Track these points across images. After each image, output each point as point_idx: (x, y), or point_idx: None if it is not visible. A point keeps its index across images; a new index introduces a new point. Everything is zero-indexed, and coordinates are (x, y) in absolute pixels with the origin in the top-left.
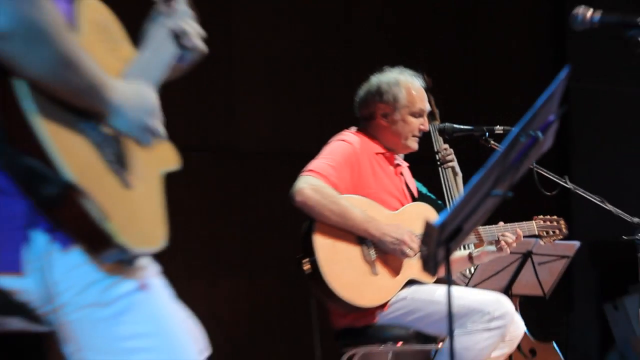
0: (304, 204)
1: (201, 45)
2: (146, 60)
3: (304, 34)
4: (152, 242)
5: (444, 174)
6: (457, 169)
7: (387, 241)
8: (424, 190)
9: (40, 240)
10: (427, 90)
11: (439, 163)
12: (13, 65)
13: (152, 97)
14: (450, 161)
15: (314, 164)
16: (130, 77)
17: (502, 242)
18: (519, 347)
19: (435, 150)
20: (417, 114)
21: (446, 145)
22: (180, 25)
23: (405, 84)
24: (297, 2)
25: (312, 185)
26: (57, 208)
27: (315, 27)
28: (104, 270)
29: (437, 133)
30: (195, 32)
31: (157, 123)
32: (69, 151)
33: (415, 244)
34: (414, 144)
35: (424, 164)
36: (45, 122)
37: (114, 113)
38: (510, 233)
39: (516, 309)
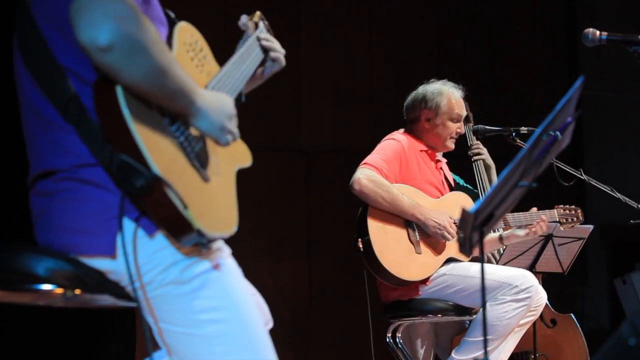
0: (361, 191)
1: (282, 60)
2: (227, 73)
3: (362, 49)
4: (226, 227)
5: (477, 166)
6: (489, 161)
7: (430, 225)
8: (461, 182)
9: (129, 227)
10: (464, 97)
11: (472, 157)
12: (113, 75)
13: (230, 105)
14: (482, 155)
15: (369, 158)
16: (213, 87)
17: (532, 230)
18: (541, 317)
19: (469, 144)
20: (455, 119)
21: (478, 142)
22: (267, 41)
23: (447, 94)
24: (355, 22)
25: (367, 175)
26: (145, 197)
27: (370, 44)
28: (183, 253)
29: (472, 133)
30: (278, 48)
31: (234, 126)
32: (157, 149)
33: (453, 229)
34: (451, 145)
35: (462, 159)
36: (138, 124)
37: (199, 115)
38: (542, 224)
39: (540, 284)
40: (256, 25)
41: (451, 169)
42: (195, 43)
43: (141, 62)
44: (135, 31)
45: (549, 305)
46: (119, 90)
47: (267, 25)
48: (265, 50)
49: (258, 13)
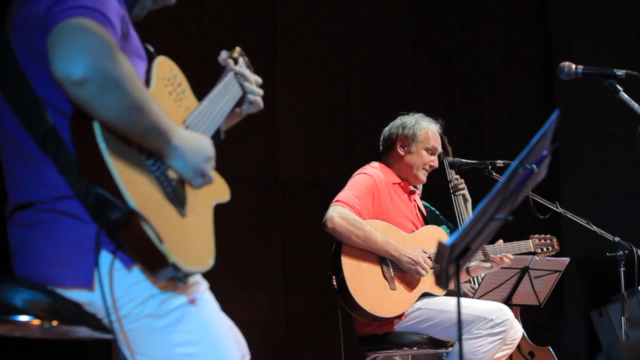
0: (334, 230)
1: (260, 103)
2: (205, 108)
3: (337, 83)
4: (202, 262)
5: (456, 200)
6: (467, 195)
7: (404, 261)
8: (436, 212)
9: (106, 259)
10: (442, 131)
11: (452, 191)
12: (88, 110)
13: (208, 146)
14: (462, 189)
15: (341, 195)
16: (190, 123)
17: (495, 261)
18: (519, 350)
19: (448, 179)
20: (430, 151)
21: (457, 176)
22: (246, 81)
23: (425, 125)
24: (330, 55)
25: (340, 213)
26: (120, 230)
27: (346, 77)
28: (160, 287)
29: (449, 166)
30: (256, 91)
31: (210, 169)
32: (133, 183)
33: (428, 264)
34: (423, 176)
35: (440, 193)
36: (114, 158)
37: (174, 155)
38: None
39: (517, 317)
40: (235, 61)
41: (428, 201)
42: (174, 78)
43: (115, 97)
44: (110, 66)
45: (527, 337)
46: (95, 125)
47: (247, 62)
48: (244, 89)
49: (238, 49)
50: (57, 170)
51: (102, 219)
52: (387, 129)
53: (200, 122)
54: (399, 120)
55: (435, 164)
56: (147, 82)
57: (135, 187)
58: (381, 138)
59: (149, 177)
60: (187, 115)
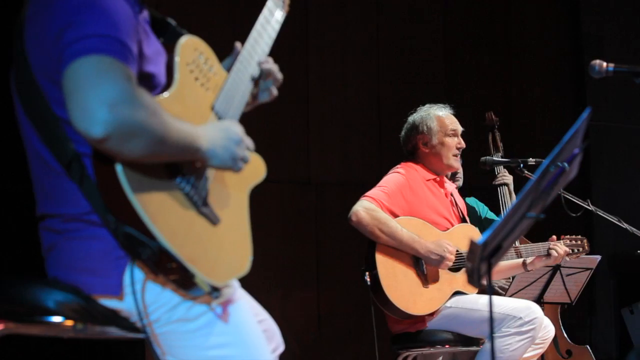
0: (358, 223)
1: (275, 91)
2: (230, 87)
3: (369, 84)
4: (239, 270)
5: (501, 191)
6: (512, 188)
7: (431, 257)
8: (484, 211)
9: (137, 270)
10: (494, 127)
11: (497, 184)
12: (113, 155)
13: (235, 129)
14: (507, 182)
15: (370, 191)
16: (220, 110)
17: (552, 253)
18: (557, 348)
19: (496, 173)
20: (451, 134)
21: (505, 171)
22: (266, 67)
23: (434, 114)
24: (364, 55)
25: (365, 207)
26: (152, 264)
27: (378, 78)
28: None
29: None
30: (275, 79)
31: (245, 150)
32: (160, 215)
33: (453, 254)
34: (455, 163)
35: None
36: (140, 195)
37: (208, 157)
38: (559, 245)
39: (557, 316)
40: None
41: (480, 197)
42: (199, 57)
43: (138, 141)
44: (129, 114)
45: (566, 336)
46: (118, 167)
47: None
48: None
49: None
50: (83, 195)
51: (133, 255)
52: (402, 134)
53: (229, 105)
54: (409, 120)
55: (462, 144)
56: (170, 73)
57: (164, 220)
58: (401, 144)
59: (178, 197)
60: (216, 98)
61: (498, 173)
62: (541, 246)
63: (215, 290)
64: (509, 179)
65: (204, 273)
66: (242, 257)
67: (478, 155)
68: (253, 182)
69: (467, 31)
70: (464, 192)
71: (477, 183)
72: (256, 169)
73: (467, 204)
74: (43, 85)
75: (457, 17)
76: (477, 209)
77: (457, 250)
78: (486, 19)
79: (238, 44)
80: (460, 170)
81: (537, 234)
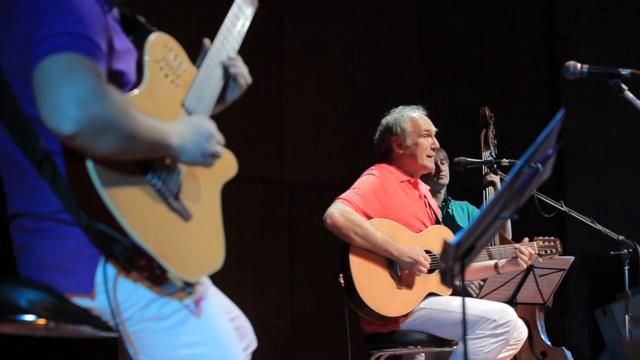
0: (333, 226)
1: (244, 87)
2: (201, 82)
3: (343, 84)
4: (211, 265)
5: (487, 192)
6: (499, 187)
7: (405, 260)
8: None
9: (109, 267)
10: (489, 123)
11: (484, 183)
12: (83, 152)
13: (206, 125)
14: (494, 182)
15: (344, 194)
16: (191, 106)
17: (519, 259)
18: (531, 349)
19: (483, 173)
20: (426, 135)
21: (491, 172)
22: (233, 71)
23: (407, 115)
24: (338, 56)
25: (340, 210)
26: (125, 260)
27: (353, 79)
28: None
29: (455, 165)
30: (243, 73)
31: (216, 145)
32: (132, 211)
33: (428, 261)
34: (429, 163)
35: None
36: (111, 192)
37: (178, 153)
38: (524, 249)
39: (540, 318)
40: None
41: (468, 198)
42: (169, 54)
43: (108, 137)
44: (99, 111)
45: (543, 337)
46: (89, 164)
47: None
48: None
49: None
50: (54, 193)
51: (106, 252)
52: (376, 136)
53: (199, 101)
54: (383, 122)
55: (436, 144)
56: (140, 71)
57: (135, 215)
58: (375, 146)
59: (150, 195)
60: (186, 94)
61: (486, 173)
62: (514, 248)
63: (188, 286)
64: (495, 178)
65: (176, 268)
66: (215, 252)
67: (461, 154)
68: (225, 177)
69: (442, 33)
70: (451, 192)
71: (461, 184)
72: (227, 165)
73: (460, 208)
74: (13, 84)
75: (431, 20)
76: (470, 213)
77: (430, 252)
78: (461, 20)
79: (207, 41)
80: (446, 169)
81: (510, 234)
